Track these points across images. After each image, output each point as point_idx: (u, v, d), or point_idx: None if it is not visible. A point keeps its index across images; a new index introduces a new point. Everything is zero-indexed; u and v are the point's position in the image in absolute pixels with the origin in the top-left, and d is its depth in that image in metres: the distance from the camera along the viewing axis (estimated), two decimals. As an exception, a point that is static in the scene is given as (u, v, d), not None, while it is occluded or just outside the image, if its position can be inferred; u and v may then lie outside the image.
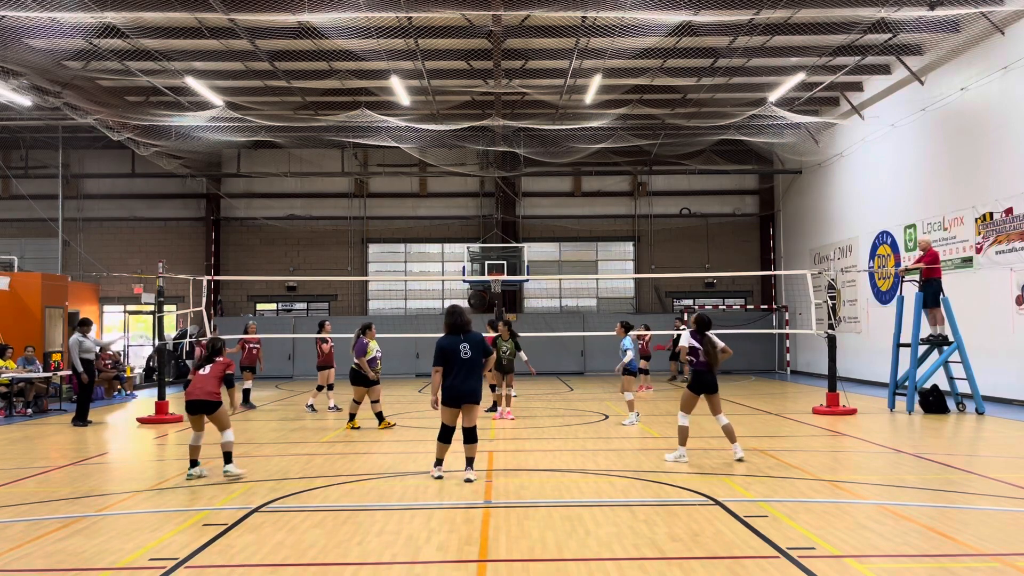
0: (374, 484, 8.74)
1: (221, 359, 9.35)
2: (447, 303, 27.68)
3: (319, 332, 16.67)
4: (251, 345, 17.17)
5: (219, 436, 9.15)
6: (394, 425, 13.66)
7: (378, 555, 6.02)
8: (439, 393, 8.76)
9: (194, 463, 9.12)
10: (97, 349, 15.73)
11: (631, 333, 14.01)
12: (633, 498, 7.89)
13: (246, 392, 17.12)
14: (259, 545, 6.27)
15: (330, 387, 16.52)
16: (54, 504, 7.98)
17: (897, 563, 5.72)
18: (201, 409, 9.05)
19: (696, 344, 9.78)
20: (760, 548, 6.05)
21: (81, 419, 14.62)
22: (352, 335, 13.74)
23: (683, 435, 9.84)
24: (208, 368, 9.19)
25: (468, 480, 8.74)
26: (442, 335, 8.94)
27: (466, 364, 8.75)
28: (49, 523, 7.12)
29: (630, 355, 13.62)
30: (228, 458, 9.17)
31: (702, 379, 9.76)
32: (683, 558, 5.83)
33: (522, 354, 15.52)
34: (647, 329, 20.89)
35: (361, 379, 13.36)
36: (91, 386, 14.98)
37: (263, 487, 8.56)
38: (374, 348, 13.57)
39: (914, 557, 5.82)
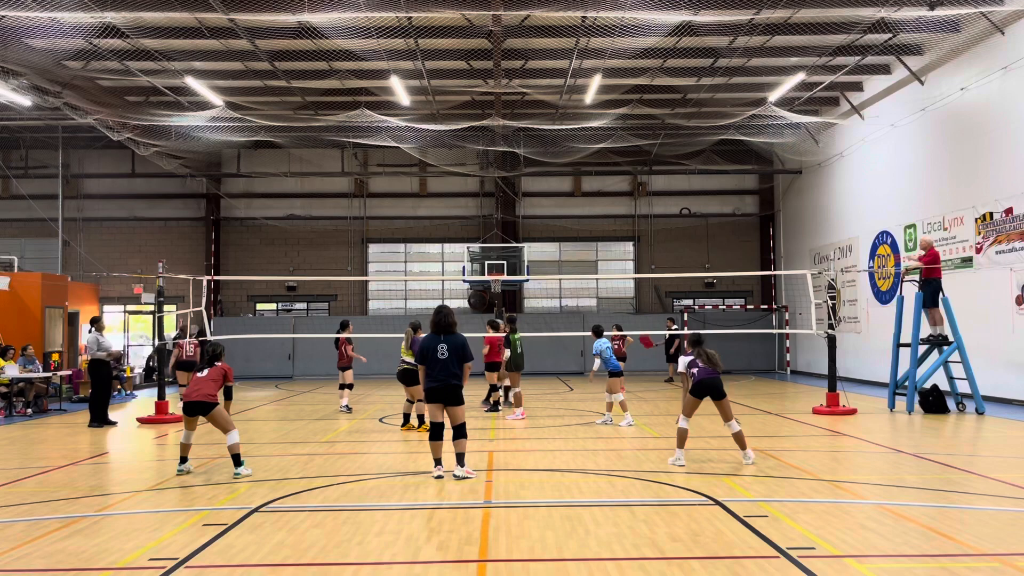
0: (374, 484, 8.74)
1: (220, 363, 9.60)
2: (447, 303, 27.70)
3: (341, 332, 16.54)
4: None
5: (218, 436, 9.17)
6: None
7: (378, 555, 6.02)
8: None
9: (184, 459, 9.45)
10: (112, 348, 15.62)
11: (605, 334, 14.03)
12: (633, 498, 7.89)
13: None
14: (259, 545, 6.28)
15: (349, 387, 16.36)
16: (54, 504, 7.98)
17: (897, 563, 5.72)
18: (198, 410, 9.24)
19: (693, 359, 9.71)
20: (760, 548, 6.06)
21: (95, 421, 14.53)
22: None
23: (681, 437, 9.71)
24: (206, 371, 9.46)
25: (456, 476, 8.79)
26: (427, 334, 9.22)
27: (441, 364, 8.92)
28: (49, 523, 7.13)
29: (598, 362, 13.56)
30: (237, 460, 9.20)
31: (703, 383, 9.55)
32: (683, 558, 5.83)
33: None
34: (619, 329, 20.73)
35: (415, 378, 12.96)
36: (105, 386, 14.87)
37: (263, 487, 8.56)
38: None
39: (914, 557, 5.82)
